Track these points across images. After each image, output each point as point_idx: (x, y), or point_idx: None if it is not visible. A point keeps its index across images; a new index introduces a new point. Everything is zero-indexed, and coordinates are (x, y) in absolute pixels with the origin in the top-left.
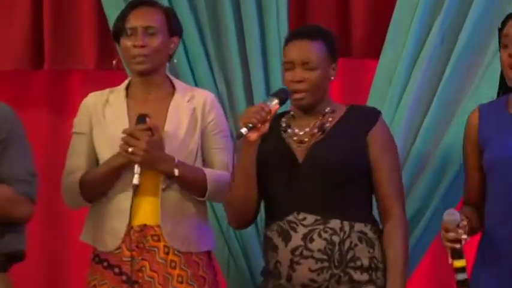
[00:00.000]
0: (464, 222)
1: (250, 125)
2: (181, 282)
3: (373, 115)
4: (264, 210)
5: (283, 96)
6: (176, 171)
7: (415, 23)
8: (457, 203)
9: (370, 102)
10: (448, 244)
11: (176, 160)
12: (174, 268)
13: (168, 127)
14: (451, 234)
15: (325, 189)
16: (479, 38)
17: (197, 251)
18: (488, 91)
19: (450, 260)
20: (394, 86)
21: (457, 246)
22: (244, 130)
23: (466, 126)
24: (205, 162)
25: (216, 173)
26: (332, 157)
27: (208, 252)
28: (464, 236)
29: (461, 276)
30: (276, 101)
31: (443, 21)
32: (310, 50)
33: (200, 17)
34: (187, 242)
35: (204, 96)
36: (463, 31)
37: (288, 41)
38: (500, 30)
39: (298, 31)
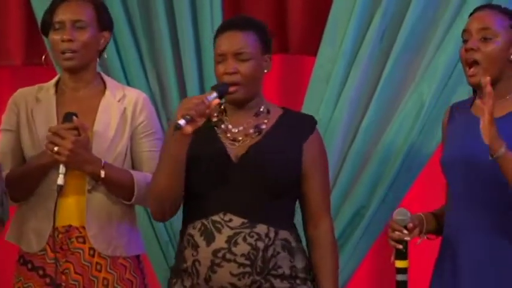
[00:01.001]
0: (411, 224)
1: (189, 117)
2: (107, 286)
3: (310, 124)
4: (187, 206)
5: (222, 90)
6: (102, 173)
7: (353, 20)
8: (397, 203)
9: (307, 101)
10: (392, 243)
11: (103, 162)
12: (100, 271)
13: (97, 127)
14: (396, 234)
15: (255, 193)
16: (419, 36)
17: (124, 255)
18: (428, 90)
19: (392, 259)
20: (331, 84)
21: (399, 246)
22: (182, 122)
23: (442, 125)
24: (134, 165)
25: (145, 176)
26: (269, 162)
27: (137, 256)
28: (407, 238)
29: (401, 277)
30: (215, 94)
31: (382, 18)
32: (241, 40)
33: (132, 13)
34: (113, 245)
35: (135, 96)
36: (403, 29)
37: (218, 33)
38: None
39: (229, 22)
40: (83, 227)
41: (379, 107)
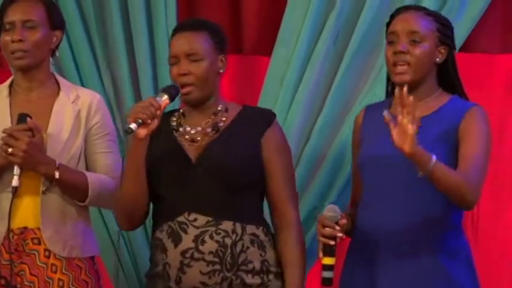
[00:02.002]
0: (344, 221)
1: (140, 121)
2: (62, 287)
3: (268, 117)
4: (152, 211)
5: (173, 91)
6: (57, 174)
7: (307, 22)
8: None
9: (262, 101)
10: (323, 239)
11: (57, 163)
12: (55, 272)
13: (51, 129)
14: (328, 230)
15: (218, 190)
16: (373, 37)
17: (79, 256)
18: (381, 91)
19: (321, 255)
20: (286, 85)
21: (332, 242)
22: (133, 126)
23: (353, 127)
24: (88, 166)
25: (99, 177)
26: (227, 158)
27: (92, 257)
28: (339, 234)
29: (327, 274)
30: (165, 96)
31: (336, 20)
32: (194, 41)
33: (86, 13)
34: (68, 246)
35: (90, 98)
36: (357, 30)
37: (173, 35)
38: (387, 27)
39: (181, 24)
40: (38, 228)
41: (333, 108)
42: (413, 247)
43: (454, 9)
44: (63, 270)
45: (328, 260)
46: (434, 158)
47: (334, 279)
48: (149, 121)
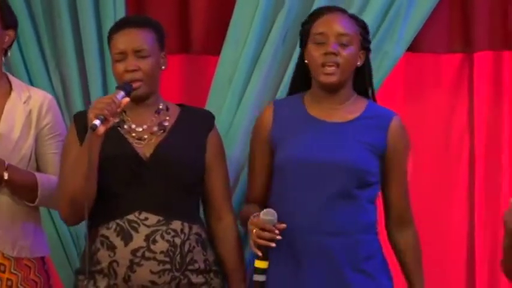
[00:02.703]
0: (284, 225)
1: (102, 117)
2: (11, 286)
3: (210, 119)
4: (97, 208)
5: (128, 88)
6: (6, 175)
7: (256, 21)
8: None
9: (210, 101)
10: (262, 242)
11: (6, 163)
12: (4, 272)
13: (2, 128)
14: (268, 234)
15: (169, 190)
16: None
17: (29, 256)
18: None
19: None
20: (234, 85)
21: (273, 245)
22: (97, 122)
23: (258, 124)
24: (39, 167)
25: (49, 178)
26: (179, 158)
27: (42, 258)
28: (279, 237)
29: (259, 278)
30: (123, 93)
31: (285, 20)
32: (141, 37)
33: (35, 11)
34: (18, 246)
35: (41, 98)
36: None
37: (114, 31)
38: (307, 26)
39: (125, 20)
40: None
41: None
42: (332, 250)
43: (402, 9)
44: (12, 270)
45: (261, 264)
46: None
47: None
48: (110, 118)
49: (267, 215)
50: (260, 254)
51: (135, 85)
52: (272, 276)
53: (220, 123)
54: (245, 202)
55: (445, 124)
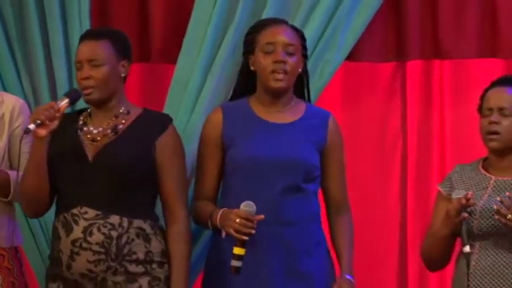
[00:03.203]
0: (262, 216)
1: (38, 122)
2: None
3: (164, 122)
4: (55, 202)
5: (74, 95)
6: None
7: (209, 33)
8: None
9: (168, 105)
10: (247, 230)
11: None
12: None
13: None
14: (250, 224)
15: (108, 187)
16: None
17: (2, 246)
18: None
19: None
20: (189, 90)
21: (253, 231)
22: (31, 126)
23: (206, 125)
24: (12, 166)
25: (21, 175)
26: (119, 158)
27: (15, 247)
28: (254, 230)
29: (237, 263)
30: (66, 100)
31: (234, 32)
32: (95, 48)
33: (6, 19)
34: None
35: (13, 102)
36: None
37: (79, 43)
38: (252, 36)
39: (86, 33)
40: None
41: None
42: (286, 238)
43: (342, 21)
44: None
45: (240, 251)
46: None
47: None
48: (47, 122)
49: (249, 206)
50: (245, 238)
51: (85, 92)
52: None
53: (177, 123)
54: (195, 199)
55: (380, 126)
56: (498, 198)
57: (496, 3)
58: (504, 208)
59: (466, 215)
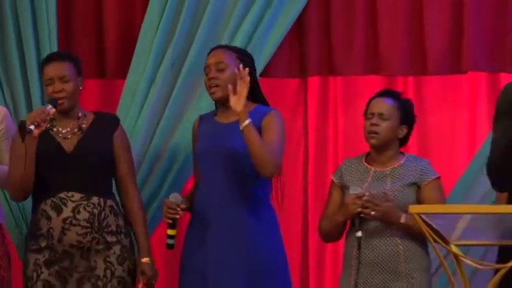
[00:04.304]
0: (184, 206)
1: (36, 123)
2: None
3: (116, 121)
4: (37, 190)
5: (54, 103)
6: None
7: (152, 52)
8: (179, 189)
9: (119, 112)
10: (170, 216)
11: None
12: None
13: None
14: (172, 211)
15: (87, 174)
16: (200, 64)
17: None
18: (207, 105)
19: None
20: (136, 100)
21: (177, 216)
22: (32, 127)
23: (192, 131)
24: None
25: (3, 168)
26: (92, 150)
27: (0, 224)
28: (180, 213)
29: (170, 241)
30: (50, 106)
31: (173, 51)
32: (63, 67)
33: None
34: None
35: None
36: (188, 59)
37: (45, 64)
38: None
39: (52, 55)
40: None
41: (170, 118)
42: (233, 212)
43: (258, 44)
44: None
45: (171, 232)
46: (249, 120)
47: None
48: (42, 124)
49: (172, 198)
50: (169, 221)
51: (60, 102)
52: (191, 236)
53: (127, 127)
54: (193, 187)
55: (287, 130)
56: (367, 193)
57: (378, 29)
58: (372, 203)
59: (360, 209)
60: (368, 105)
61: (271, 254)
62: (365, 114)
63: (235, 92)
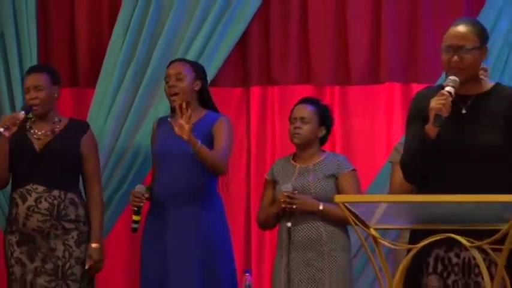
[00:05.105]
0: (147, 195)
1: (6, 126)
2: None
3: (85, 127)
4: (12, 181)
5: (27, 109)
6: None
7: (118, 64)
8: (141, 182)
9: (90, 116)
10: (135, 204)
11: None
12: None
13: None
14: (137, 199)
15: (51, 170)
16: (159, 74)
17: None
18: (164, 110)
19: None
20: (105, 105)
21: (141, 204)
22: (1, 129)
23: (152, 133)
24: None
25: None
26: (58, 151)
27: None
28: (144, 201)
29: (134, 225)
30: (23, 112)
31: (135, 64)
32: (38, 78)
33: None
34: None
35: None
36: (148, 70)
37: (25, 75)
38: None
39: (31, 68)
40: None
41: (133, 120)
42: (187, 202)
43: (208, 59)
44: None
45: (136, 217)
46: (199, 143)
47: (138, 229)
48: (12, 127)
49: (138, 188)
50: (134, 208)
51: (34, 108)
52: (151, 222)
53: (96, 129)
54: (152, 179)
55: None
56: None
57: (309, 45)
58: (292, 198)
59: (290, 206)
60: (292, 111)
61: (221, 238)
62: (289, 119)
63: (180, 121)
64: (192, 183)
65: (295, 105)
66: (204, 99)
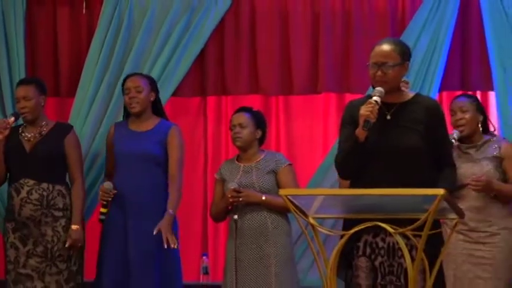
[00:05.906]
0: (115, 191)
1: None
2: None
3: (69, 128)
4: (8, 178)
5: (16, 115)
6: None
7: (95, 75)
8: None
9: (71, 119)
10: (104, 198)
11: None
12: None
13: None
14: (106, 195)
15: (40, 166)
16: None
17: None
18: (121, 116)
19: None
20: (82, 111)
21: (109, 199)
22: None
23: (108, 136)
24: None
25: None
26: (46, 150)
27: None
28: (110, 198)
29: (102, 217)
30: (12, 118)
31: (109, 77)
32: (26, 90)
33: None
34: None
35: None
36: (120, 82)
37: (16, 87)
38: (123, 85)
39: (20, 80)
40: None
41: (106, 126)
42: (145, 195)
43: (171, 73)
44: None
45: (104, 210)
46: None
47: (105, 220)
48: (3, 131)
49: (107, 185)
50: (104, 202)
51: (23, 115)
52: (113, 219)
53: (77, 131)
54: (105, 175)
55: (191, 137)
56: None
57: (257, 61)
58: (237, 193)
59: (237, 199)
60: (231, 120)
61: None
62: (230, 127)
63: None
64: (150, 179)
65: (233, 114)
66: (157, 108)
